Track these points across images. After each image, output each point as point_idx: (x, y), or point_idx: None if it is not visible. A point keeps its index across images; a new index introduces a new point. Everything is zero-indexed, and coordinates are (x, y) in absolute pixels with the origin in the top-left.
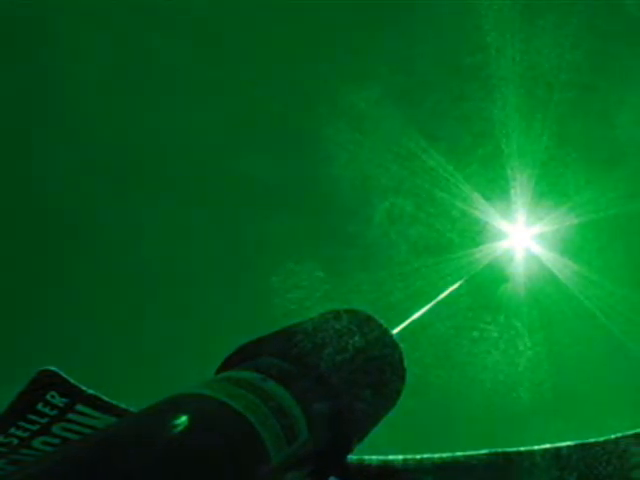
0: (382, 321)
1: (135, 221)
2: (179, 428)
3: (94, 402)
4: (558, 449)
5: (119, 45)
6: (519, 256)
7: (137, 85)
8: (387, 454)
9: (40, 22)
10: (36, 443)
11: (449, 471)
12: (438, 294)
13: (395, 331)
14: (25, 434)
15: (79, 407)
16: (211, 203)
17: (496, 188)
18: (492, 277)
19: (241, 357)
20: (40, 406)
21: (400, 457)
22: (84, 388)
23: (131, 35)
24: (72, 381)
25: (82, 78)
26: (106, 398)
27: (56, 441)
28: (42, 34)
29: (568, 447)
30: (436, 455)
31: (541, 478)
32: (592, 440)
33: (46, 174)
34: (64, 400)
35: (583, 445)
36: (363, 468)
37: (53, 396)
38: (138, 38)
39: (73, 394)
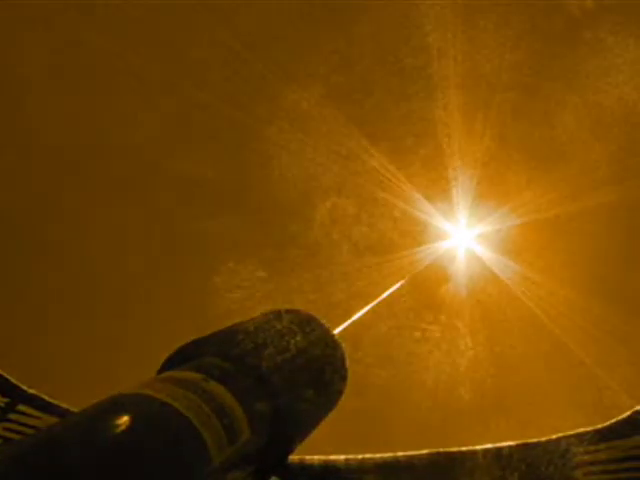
0: (324, 321)
1: (73, 219)
2: (121, 428)
3: (35, 402)
4: (499, 449)
5: (58, 44)
6: (460, 256)
7: (76, 84)
8: (328, 454)
9: None
10: None
11: (391, 471)
12: (380, 294)
13: (337, 331)
14: None
15: (21, 407)
16: (150, 202)
17: (437, 188)
18: (434, 277)
19: (182, 357)
20: None
21: (342, 457)
22: (25, 388)
23: (70, 34)
24: (13, 381)
25: (21, 78)
26: (47, 398)
27: None
28: None
29: (509, 447)
30: (378, 455)
31: (482, 478)
32: (534, 440)
33: None
34: (5, 400)
35: (525, 445)
36: (305, 468)
37: None
38: (77, 37)
39: (14, 394)
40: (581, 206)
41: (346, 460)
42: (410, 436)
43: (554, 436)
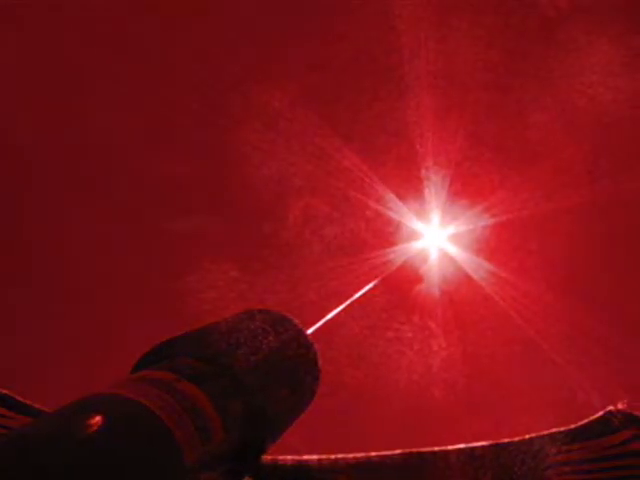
0: (297, 321)
1: (42, 219)
2: (93, 428)
3: (8, 402)
4: (472, 449)
5: (29, 43)
6: (433, 256)
7: (46, 83)
8: (301, 454)
9: None
10: None
11: (363, 471)
12: (352, 294)
13: (309, 331)
14: None
15: None
16: (121, 202)
17: (410, 188)
18: (406, 277)
19: (156, 357)
20: None
21: (314, 457)
22: None
23: (42, 32)
24: None
25: None
26: (20, 398)
27: None
28: None
29: (482, 447)
30: (350, 455)
31: (456, 478)
32: (506, 440)
33: None
34: None
35: (497, 445)
36: (277, 468)
37: None
38: (48, 35)
39: None
40: (555, 206)
41: (319, 460)
42: (383, 436)
43: (527, 436)
